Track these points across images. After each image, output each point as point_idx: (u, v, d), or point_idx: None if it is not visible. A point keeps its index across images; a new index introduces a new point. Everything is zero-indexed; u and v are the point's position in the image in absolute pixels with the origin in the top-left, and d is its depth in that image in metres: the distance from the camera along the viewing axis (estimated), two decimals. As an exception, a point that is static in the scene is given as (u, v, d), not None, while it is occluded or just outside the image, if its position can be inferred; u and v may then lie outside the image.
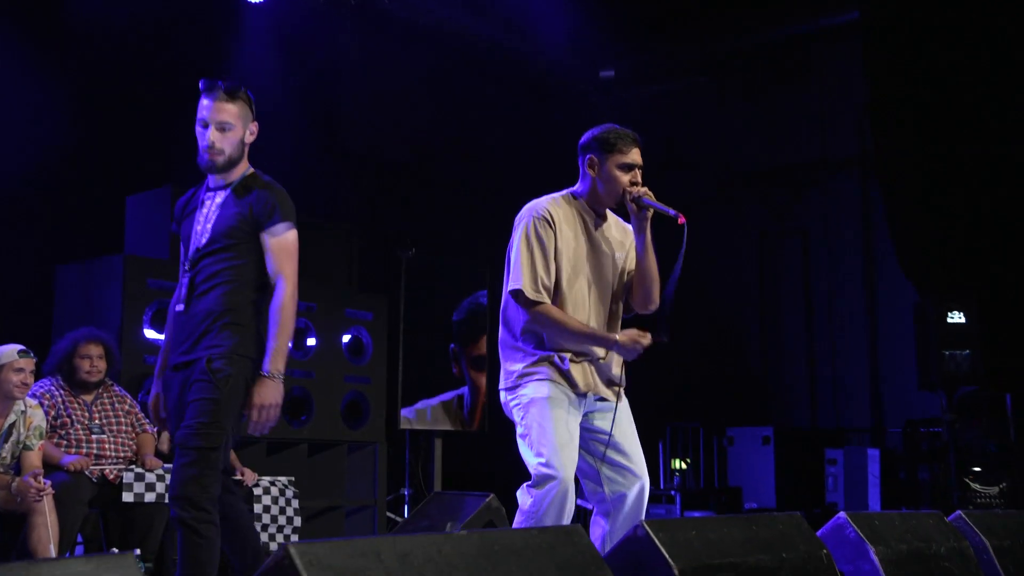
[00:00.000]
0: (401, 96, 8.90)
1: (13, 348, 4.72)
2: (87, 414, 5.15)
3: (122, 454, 5.16)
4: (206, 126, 3.49)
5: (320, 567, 1.85)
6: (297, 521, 5.88)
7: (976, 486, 7.34)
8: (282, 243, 3.48)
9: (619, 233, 3.78)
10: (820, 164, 10.04)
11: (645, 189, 3.60)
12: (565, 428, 3.48)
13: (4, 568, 1.53)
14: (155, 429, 5.25)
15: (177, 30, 7.21)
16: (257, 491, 5.69)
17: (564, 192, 3.74)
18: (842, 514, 3.28)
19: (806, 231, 10.16)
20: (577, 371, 3.55)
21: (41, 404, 4.93)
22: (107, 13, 6.71)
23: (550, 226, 3.57)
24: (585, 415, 3.59)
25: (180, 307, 3.53)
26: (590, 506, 3.69)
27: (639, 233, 3.65)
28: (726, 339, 10.45)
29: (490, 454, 8.02)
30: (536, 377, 3.54)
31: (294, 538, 5.75)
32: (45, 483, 4.49)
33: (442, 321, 7.92)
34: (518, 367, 3.59)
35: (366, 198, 8.71)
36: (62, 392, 5.15)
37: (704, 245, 8.26)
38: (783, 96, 10.15)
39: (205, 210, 3.56)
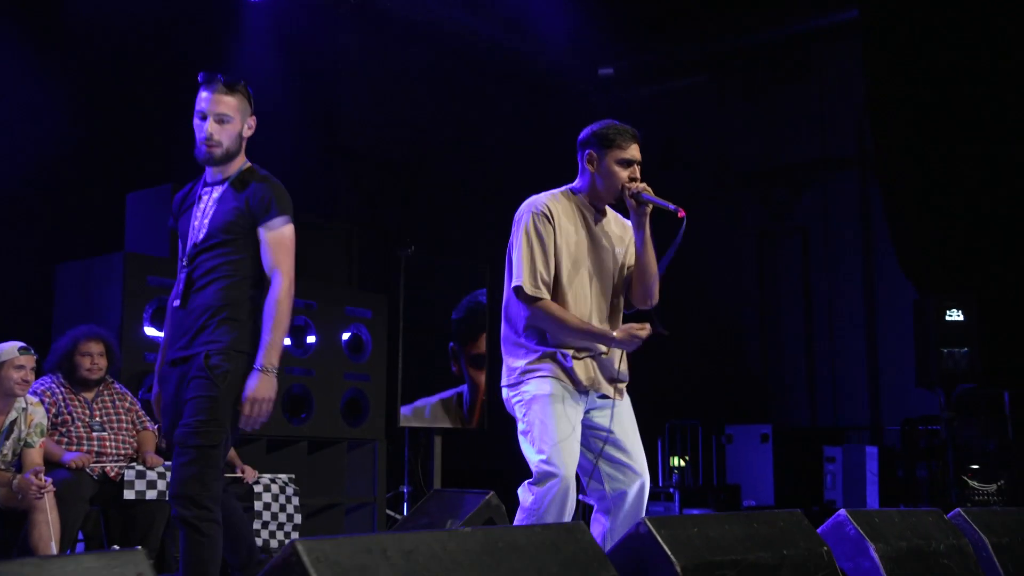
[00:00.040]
0: (401, 95, 8.92)
1: (13, 345, 4.72)
2: (88, 411, 5.15)
3: (123, 451, 5.16)
4: (204, 118, 3.45)
5: (327, 564, 1.86)
6: (297, 518, 5.89)
7: (974, 483, 7.36)
8: (278, 237, 3.44)
9: (618, 228, 3.76)
10: (819, 164, 10.06)
11: (644, 185, 3.57)
12: (567, 425, 3.46)
13: (13, 565, 1.54)
14: (156, 426, 5.25)
15: (177, 30, 7.22)
16: (257, 488, 5.70)
17: (563, 188, 3.71)
18: (842, 511, 3.28)
19: (805, 230, 10.18)
20: (580, 367, 3.53)
21: (42, 401, 4.93)
22: (107, 13, 6.72)
23: (549, 222, 3.56)
24: (587, 412, 3.58)
25: (177, 302, 3.49)
26: (591, 502, 3.69)
27: (638, 229, 3.62)
28: (725, 337, 10.46)
29: (489, 452, 8.05)
30: (538, 374, 3.52)
31: (294, 535, 5.75)
32: (46, 480, 4.50)
33: (441, 319, 7.93)
34: (520, 363, 3.57)
35: (366, 196, 8.72)
36: (63, 389, 5.15)
37: (704, 244, 8.29)
38: (783, 96, 10.16)
39: (202, 205, 3.52)
